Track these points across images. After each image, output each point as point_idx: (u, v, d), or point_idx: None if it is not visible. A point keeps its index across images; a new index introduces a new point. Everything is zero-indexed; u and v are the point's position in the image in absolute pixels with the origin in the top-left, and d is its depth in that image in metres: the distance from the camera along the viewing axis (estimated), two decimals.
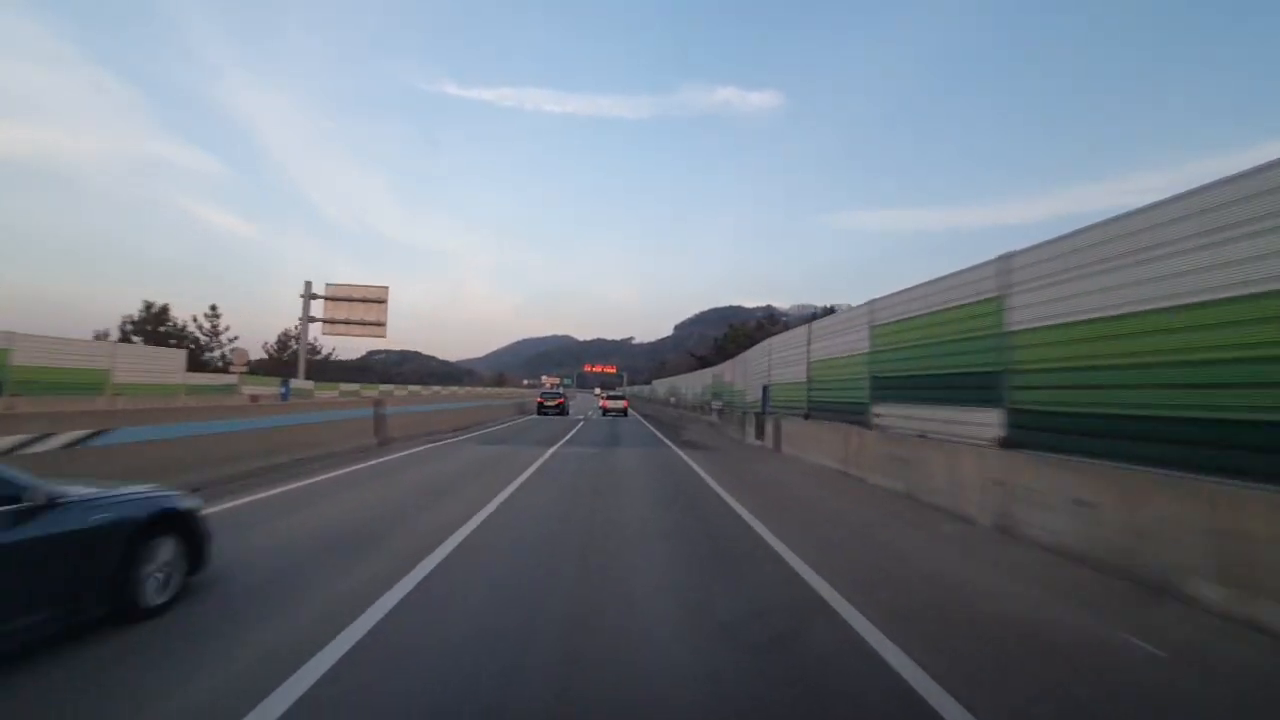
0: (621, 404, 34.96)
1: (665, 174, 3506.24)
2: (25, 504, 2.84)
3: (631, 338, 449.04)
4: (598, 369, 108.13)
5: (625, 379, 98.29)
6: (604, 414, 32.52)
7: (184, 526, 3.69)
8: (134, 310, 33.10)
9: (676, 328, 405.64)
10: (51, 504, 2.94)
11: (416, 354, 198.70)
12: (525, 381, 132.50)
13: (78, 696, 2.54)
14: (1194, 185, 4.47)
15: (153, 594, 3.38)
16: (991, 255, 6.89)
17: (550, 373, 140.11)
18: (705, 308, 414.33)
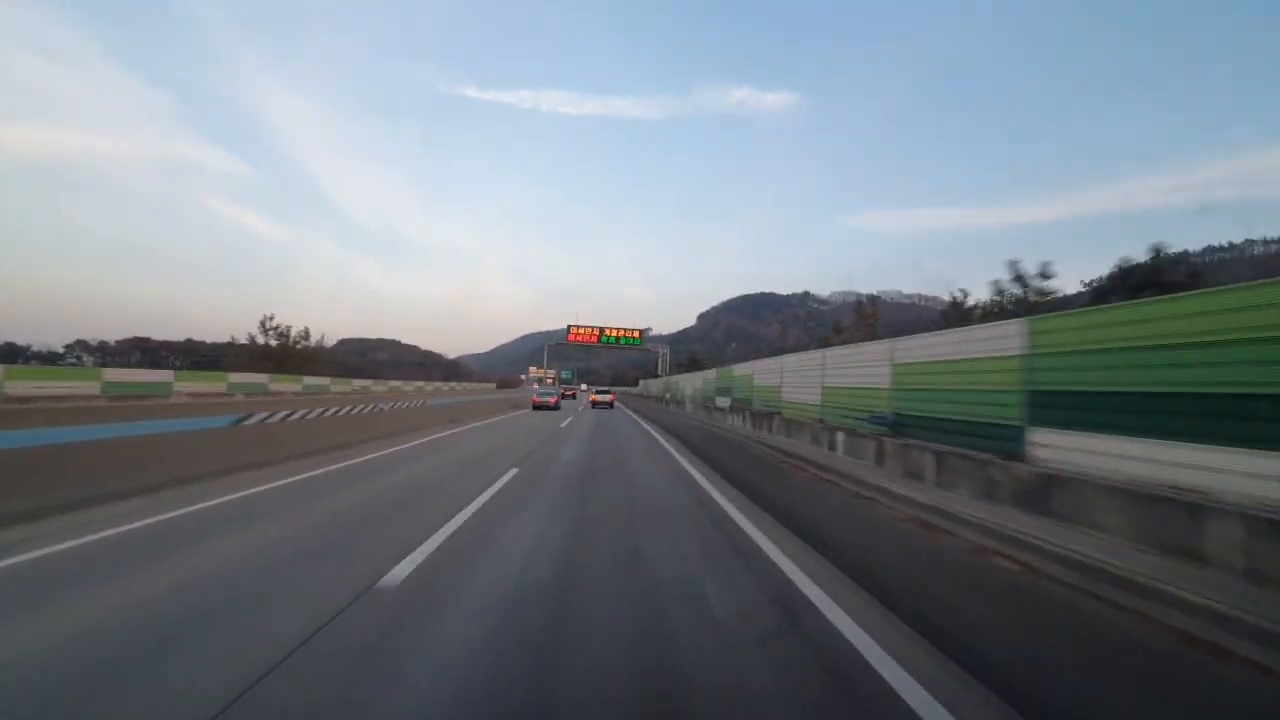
0: (608, 398, 39.26)
1: (683, 171, 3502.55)
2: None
3: (649, 329, 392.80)
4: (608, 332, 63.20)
5: (667, 357, 70.29)
6: (593, 406, 37.56)
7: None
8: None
9: (700, 317, 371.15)
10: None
11: (394, 342, 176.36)
12: (523, 377, 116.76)
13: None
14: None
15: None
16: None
17: (551, 366, 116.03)
18: (732, 295, 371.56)
